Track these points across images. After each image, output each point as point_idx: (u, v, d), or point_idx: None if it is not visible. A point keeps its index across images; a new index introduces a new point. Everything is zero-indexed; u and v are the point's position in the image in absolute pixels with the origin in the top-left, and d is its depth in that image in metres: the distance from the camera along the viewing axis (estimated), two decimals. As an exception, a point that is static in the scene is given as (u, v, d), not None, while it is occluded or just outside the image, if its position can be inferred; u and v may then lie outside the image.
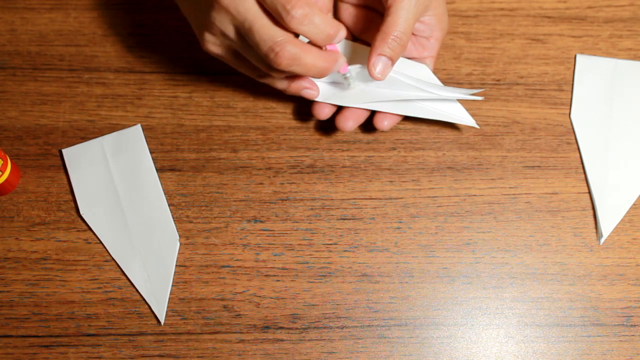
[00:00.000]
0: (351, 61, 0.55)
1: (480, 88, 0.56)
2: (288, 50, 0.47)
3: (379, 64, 0.52)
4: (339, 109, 0.56)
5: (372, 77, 0.52)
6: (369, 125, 0.57)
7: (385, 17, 0.52)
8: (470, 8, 0.63)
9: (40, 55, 0.61)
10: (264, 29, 0.47)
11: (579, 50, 0.62)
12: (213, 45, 0.52)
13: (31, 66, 0.60)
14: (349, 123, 0.56)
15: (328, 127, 0.59)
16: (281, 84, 0.54)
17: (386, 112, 0.56)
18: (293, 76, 0.53)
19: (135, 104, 0.60)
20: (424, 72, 0.56)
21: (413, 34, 0.55)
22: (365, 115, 0.56)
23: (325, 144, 0.59)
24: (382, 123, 0.56)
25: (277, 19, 0.47)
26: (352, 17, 0.57)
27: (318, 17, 0.47)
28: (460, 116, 0.57)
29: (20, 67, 0.60)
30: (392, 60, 0.52)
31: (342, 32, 0.49)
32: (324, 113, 0.56)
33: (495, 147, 0.59)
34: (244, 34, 0.48)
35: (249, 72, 0.54)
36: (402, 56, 0.56)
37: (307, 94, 0.54)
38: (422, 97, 0.55)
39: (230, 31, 0.49)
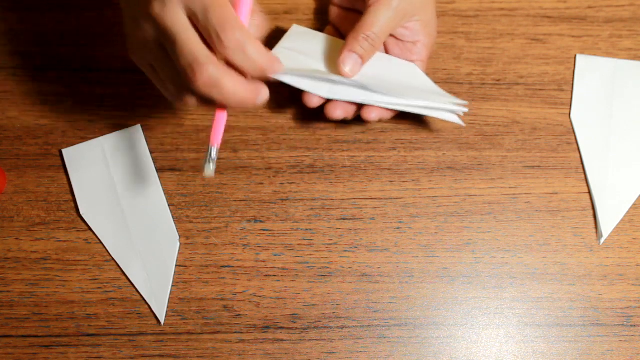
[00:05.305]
0: None
1: (465, 101, 0.56)
2: (208, 71, 0.42)
3: (348, 61, 0.52)
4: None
5: (341, 74, 0.52)
6: (367, 124, 0.57)
7: (363, 16, 0.52)
8: (470, 8, 0.63)
9: (40, 55, 0.61)
10: (188, 43, 0.43)
11: (579, 50, 0.62)
12: (133, 53, 0.47)
13: (31, 66, 0.60)
14: (338, 112, 0.55)
15: (328, 127, 0.59)
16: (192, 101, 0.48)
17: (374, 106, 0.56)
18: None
19: (136, 104, 0.60)
20: (414, 71, 0.56)
21: (398, 39, 0.56)
22: (355, 105, 0.56)
23: (325, 144, 0.59)
24: (370, 115, 0.55)
25: (207, 41, 0.43)
26: (340, 19, 0.59)
27: (252, 48, 0.43)
28: (447, 114, 0.56)
29: (20, 67, 0.60)
30: (363, 59, 0.53)
31: (278, 66, 0.45)
32: (313, 102, 0.54)
33: (495, 147, 0.59)
34: (166, 46, 0.44)
35: (165, 88, 0.48)
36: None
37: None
38: (410, 97, 0.55)
39: (151, 41, 0.45)
